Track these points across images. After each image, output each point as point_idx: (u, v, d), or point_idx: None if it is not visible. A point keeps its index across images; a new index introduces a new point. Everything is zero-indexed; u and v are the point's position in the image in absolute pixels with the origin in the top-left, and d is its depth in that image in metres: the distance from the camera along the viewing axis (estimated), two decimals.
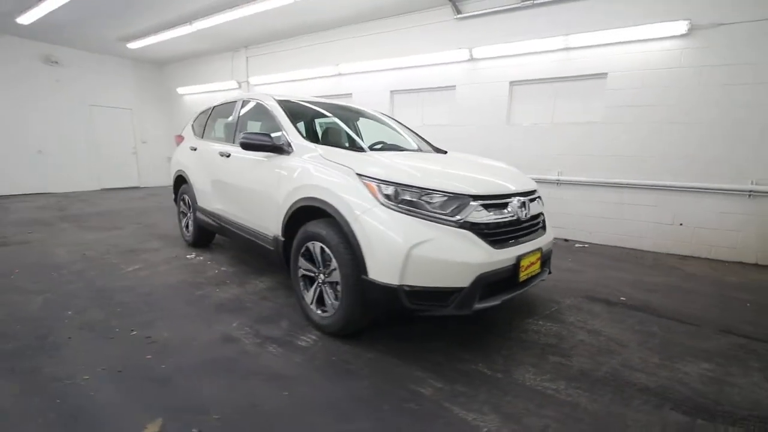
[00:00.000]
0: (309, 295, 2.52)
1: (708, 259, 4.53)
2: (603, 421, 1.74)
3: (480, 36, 5.66)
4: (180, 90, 10.08)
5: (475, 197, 2.11)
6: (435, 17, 6.01)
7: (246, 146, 2.83)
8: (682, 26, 4.33)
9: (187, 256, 4.06)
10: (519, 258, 2.20)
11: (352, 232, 2.09)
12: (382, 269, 1.99)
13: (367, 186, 2.12)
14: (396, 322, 2.60)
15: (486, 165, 2.78)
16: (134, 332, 2.39)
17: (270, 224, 2.85)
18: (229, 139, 3.57)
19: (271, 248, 2.86)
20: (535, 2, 5.17)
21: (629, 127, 4.84)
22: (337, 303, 2.29)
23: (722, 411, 1.83)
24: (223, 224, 3.55)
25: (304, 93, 7.50)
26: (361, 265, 2.07)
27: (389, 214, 2.02)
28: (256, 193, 2.98)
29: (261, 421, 1.66)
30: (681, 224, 4.69)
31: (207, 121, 4.22)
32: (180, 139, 4.75)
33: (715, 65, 4.29)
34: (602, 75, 4.95)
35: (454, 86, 6.05)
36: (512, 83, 5.58)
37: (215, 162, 3.59)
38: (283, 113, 3.00)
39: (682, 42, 4.41)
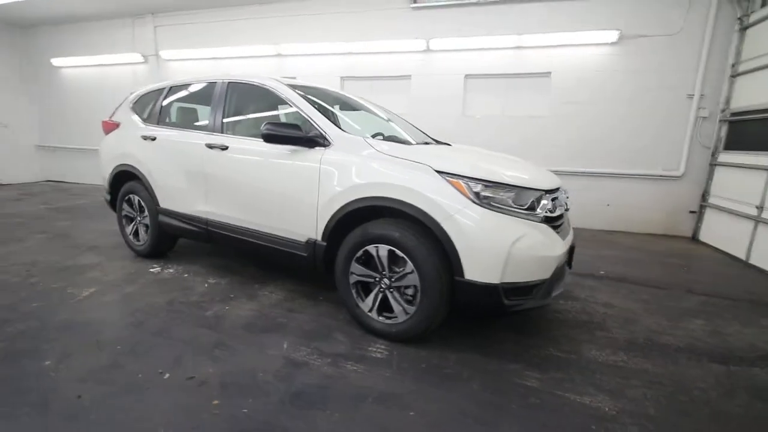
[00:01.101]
0: (367, 303, 2.32)
1: (629, 232, 5.50)
2: (676, 380, 2.03)
3: (436, 28, 5.76)
4: (56, 62, 8.01)
5: (546, 191, 2.20)
6: (391, 3, 5.90)
7: (270, 138, 2.45)
8: (613, 35, 5.07)
9: (151, 270, 3.35)
10: (572, 248, 2.38)
11: (444, 232, 1.98)
12: (482, 269, 1.95)
13: (452, 184, 2.02)
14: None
15: (513, 159, 2.89)
16: (166, 375, 1.91)
17: (301, 228, 2.52)
18: (215, 128, 3.00)
19: (304, 254, 2.54)
20: (489, 0, 5.46)
21: (569, 121, 5.52)
22: (412, 308, 2.16)
23: (738, 356, 2.29)
24: (212, 230, 3.01)
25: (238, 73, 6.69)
26: (455, 266, 1.99)
27: (483, 212, 1.97)
28: (278, 193, 2.59)
29: None
30: (608, 205, 5.59)
31: (161, 104, 3.48)
32: (111, 125, 3.82)
33: (636, 70, 5.14)
34: (548, 74, 5.51)
35: (410, 76, 6.08)
36: (467, 76, 5.84)
37: (197, 155, 2.99)
38: (303, 100, 2.65)
39: (612, 49, 5.17)
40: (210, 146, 2.91)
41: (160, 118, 3.46)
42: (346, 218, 2.31)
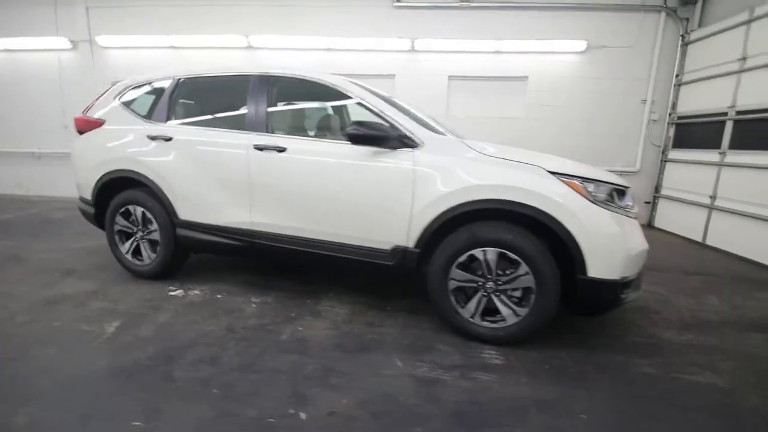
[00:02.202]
0: (468, 309, 2.26)
1: None
2: (742, 351, 2.32)
3: (418, 28, 5.78)
4: None
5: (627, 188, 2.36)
6: (373, 0, 5.77)
7: (357, 139, 2.25)
8: (582, 44, 5.60)
9: (172, 293, 2.84)
10: None
11: (567, 232, 2.01)
12: (605, 266, 2.02)
13: (568, 184, 2.06)
14: None
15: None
16: (303, 416, 1.64)
17: (387, 235, 2.36)
18: (259, 127, 2.64)
19: (389, 263, 2.38)
20: (471, 5, 5.65)
21: (543, 122, 5.97)
22: (524, 309, 2.16)
23: (764, 324, 2.71)
24: (259, 242, 2.66)
25: (199, 66, 5.99)
26: (578, 264, 2.03)
27: (600, 211, 2.05)
28: (356, 198, 2.38)
29: None
30: None
31: (169, 98, 2.96)
32: (90, 123, 3.16)
33: (600, 77, 5.75)
34: (524, 78, 5.89)
35: (394, 75, 6.03)
36: (450, 77, 5.98)
37: (240, 158, 2.60)
38: (376, 97, 2.47)
39: (581, 57, 5.71)
40: (260, 148, 2.55)
41: (169, 115, 2.94)
42: (448, 223, 2.21)
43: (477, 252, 2.17)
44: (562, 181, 2.07)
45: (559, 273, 2.08)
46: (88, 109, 3.28)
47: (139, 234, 3.03)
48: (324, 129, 2.93)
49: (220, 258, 3.61)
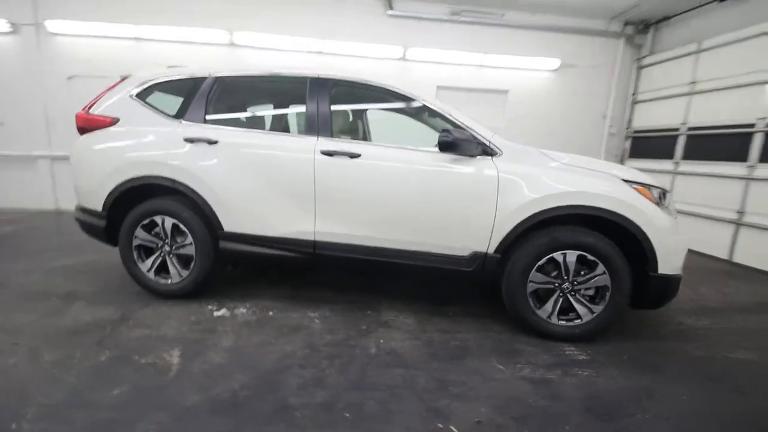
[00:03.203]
0: (545, 309, 2.38)
1: None
2: (754, 331, 2.74)
3: (411, 38, 5.89)
4: None
5: None
6: (367, 7, 5.75)
7: (447, 146, 2.27)
8: (556, 63, 6.15)
9: (216, 313, 2.57)
10: None
11: (644, 234, 2.22)
12: (671, 264, 2.27)
13: (640, 191, 2.28)
14: None
15: None
16: (452, 428, 1.60)
17: (467, 241, 2.40)
18: (321, 132, 2.51)
19: (468, 269, 2.41)
20: (459, 18, 5.91)
21: (521, 133, 6.40)
22: (599, 307, 2.33)
23: (753, 308, 3.22)
24: (323, 252, 2.52)
25: (170, 60, 5.48)
26: (651, 263, 2.25)
27: (665, 214, 2.30)
28: (437, 205, 2.38)
29: None
30: None
31: (207, 98, 2.69)
32: (101, 121, 2.75)
33: (569, 93, 6.35)
34: (505, 91, 6.30)
35: None
36: (439, 87, 6.18)
37: (304, 164, 2.44)
38: (453, 108, 2.51)
39: (555, 74, 6.26)
40: (329, 153, 2.43)
41: (208, 115, 2.67)
42: (531, 228, 2.31)
43: (557, 255, 2.30)
44: (634, 187, 2.29)
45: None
46: (91, 105, 2.85)
47: (166, 248, 2.69)
48: (397, 135, 2.89)
49: (232, 271, 3.34)
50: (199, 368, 1.95)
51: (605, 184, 2.28)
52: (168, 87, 2.83)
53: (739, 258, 4.48)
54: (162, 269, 2.73)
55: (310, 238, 2.53)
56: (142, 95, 2.78)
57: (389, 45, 5.82)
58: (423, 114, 2.81)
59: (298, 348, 2.18)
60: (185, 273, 2.69)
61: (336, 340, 2.29)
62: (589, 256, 2.28)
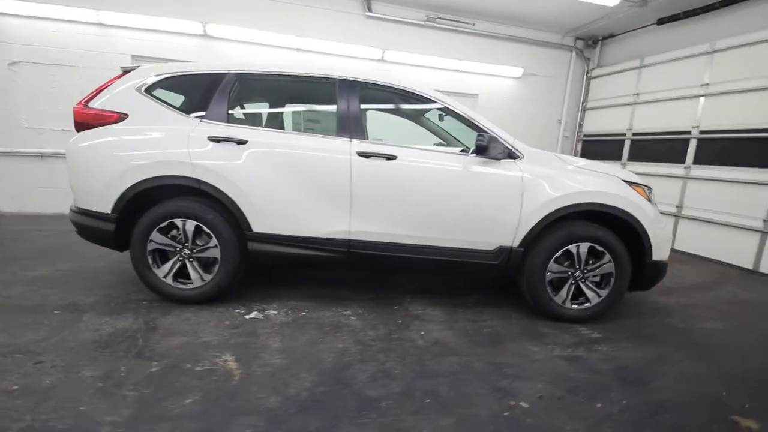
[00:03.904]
0: (561, 295, 2.67)
1: None
2: (713, 306, 3.30)
3: (389, 40, 6.03)
4: None
5: None
6: (345, 7, 5.77)
7: (482, 150, 2.47)
8: (519, 71, 6.66)
9: (248, 316, 2.51)
10: None
11: (643, 227, 2.59)
12: (662, 251, 2.68)
13: (636, 190, 2.66)
14: None
15: None
16: (507, 413, 1.79)
17: (494, 237, 2.61)
18: (354, 134, 2.56)
19: (494, 263, 2.63)
20: (435, 24, 6.16)
21: None
22: (604, 291, 2.68)
23: (696, 286, 3.85)
24: (358, 251, 2.58)
25: (136, 50, 5.11)
26: (647, 251, 2.63)
27: (655, 209, 2.70)
28: (468, 204, 2.56)
29: None
30: None
31: (229, 96, 2.60)
32: (106, 117, 2.54)
33: (530, 100, 6.92)
34: (475, 95, 6.69)
35: None
36: None
37: (341, 165, 2.48)
38: (481, 116, 2.70)
39: (519, 81, 6.78)
40: (365, 155, 2.49)
41: (230, 114, 2.58)
42: (551, 224, 2.58)
43: (572, 247, 2.60)
44: (633, 187, 2.66)
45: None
46: (89, 98, 2.61)
47: (186, 252, 2.57)
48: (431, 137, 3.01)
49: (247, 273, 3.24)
50: (261, 371, 1.93)
51: (613, 185, 2.62)
52: (178, 82, 2.70)
53: (681, 246, 5.25)
54: (181, 274, 2.60)
55: (345, 237, 2.57)
56: (150, 90, 2.61)
57: (368, 46, 5.90)
58: (445, 116, 2.95)
59: (348, 344, 2.24)
60: (208, 277, 2.59)
61: (381, 335, 2.37)
62: (598, 247, 2.61)
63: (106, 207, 2.51)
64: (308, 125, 2.96)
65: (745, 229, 4.51)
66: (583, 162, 2.77)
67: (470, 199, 2.57)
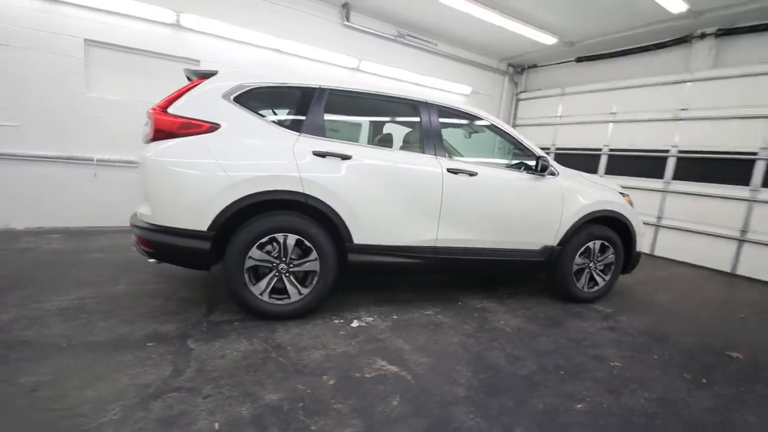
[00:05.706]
0: (581, 282, 3.44)
1: None
2: (629, 296, 4.53)
3: (364, 50, 6.25)
4: None
5: None
6: (324, 14, 5.80)
7: (543, 169, 3.05)
8: (468, 89, 7.58)
9: (353, 326, 2.61)
10: None
11: (632, 227, 3.50)
12: (641, 243, 3.64)
13: (625, 199, 3.57)
14: None
15: None
16: (627, 373, 2.40)
17: (541, 238, 3.23)
18: (437, 151, 2.87)
19: (540, 259, 3.24)
20: (403, 41, 6.62)
21: None
22: (607, 276, 3.54)
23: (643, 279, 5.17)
24: (442, 256, 2.90)
25: (91, 35, 4.40)
26: (634, 244, 3.56)
27: (636, 212, 3.65)
28: (526, 212, 3.12)
29: None
30: None
31: (321, 111, 2.64)
32: (197, 126, 2.37)
33: None
34: None
35: None
36: None
37: (434, 180, 2.77)
38: (513, 130, 3.27)
39: (468, 98, 7.68)
40: (454, 171, 2.83)
41: (326, 130, 2.62)
42: (581, 227, 3.30)
43: (591, 244, 3.38)
44: (623, 196, 3.56)
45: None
46: (166, 104, 2.37)
47: (283, 267, 2.54)
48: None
49: None
50: (421, 369, 2.14)
51: (614, 195, 3.49)
52: (266, 93, 2.63)
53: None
54: (276, 290, 2.55)
55: (433, 244, 2.87)
56: (241, 99, 2.50)
57: (345, 55, 6.04)
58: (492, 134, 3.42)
59: (461, 338, 2.57)
60: (306, 291, 2.60)
61: (476, 328, 2.76)
62: (606, 243, 3.44)
63: (201, 224, 2.32)
64: (388, 141, 3.13)
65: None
66: (593, 177, 3.60)
67: (528, 208, 3.13)
